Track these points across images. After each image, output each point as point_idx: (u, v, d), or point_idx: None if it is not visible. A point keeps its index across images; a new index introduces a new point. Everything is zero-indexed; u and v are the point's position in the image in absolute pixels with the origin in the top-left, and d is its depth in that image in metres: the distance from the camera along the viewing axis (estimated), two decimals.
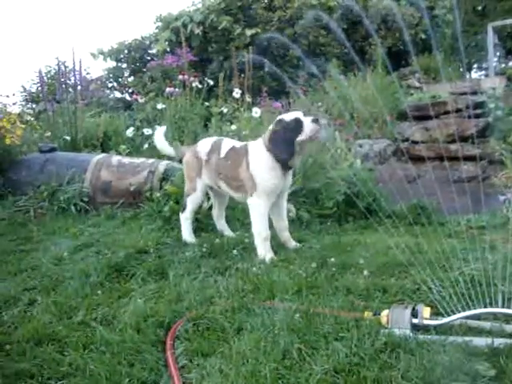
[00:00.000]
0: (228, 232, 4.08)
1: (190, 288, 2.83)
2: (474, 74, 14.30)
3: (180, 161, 4.47)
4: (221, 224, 4.14)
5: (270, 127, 3.55)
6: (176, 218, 4.15)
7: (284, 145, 3.40)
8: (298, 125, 3.38)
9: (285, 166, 3.47)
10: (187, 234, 3.92)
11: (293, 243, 3.71)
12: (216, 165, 3.75)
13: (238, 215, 4.34)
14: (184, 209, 3.96)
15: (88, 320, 2.52)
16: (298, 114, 3.45)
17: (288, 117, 3.46)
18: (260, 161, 3.50)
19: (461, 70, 12.12)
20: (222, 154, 3.73)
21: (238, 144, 3.79)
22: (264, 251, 3.43)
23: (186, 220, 3.94)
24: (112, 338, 2.26)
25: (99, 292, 2.90)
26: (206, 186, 3.92)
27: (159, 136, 4.28)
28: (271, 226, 3.67)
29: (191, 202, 3.94)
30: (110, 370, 1.99)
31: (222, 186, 3.79)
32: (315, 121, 3.39)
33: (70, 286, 3.04)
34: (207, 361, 2.04)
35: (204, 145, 3.91)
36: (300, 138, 3.38)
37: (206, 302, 2.63)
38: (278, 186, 3.53)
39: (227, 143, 3.81)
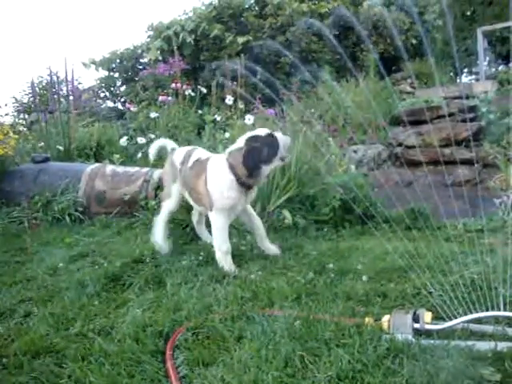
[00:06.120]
0: (205, 237, 4.05)
1: (188, 297, 2.80)
2: (465, 79, 14.36)
3: None
4: (200, 229, 4.12)
5: (240, 145, 3.43)
6: (172, 227, 4.14)
7: (261, 162, 3.37)
8: (273, 140, 3.39)
9: (248, 186, 3.43)
10: (159, 236, 3.80)
11: (275, 249, 3.67)
12: (184, 175, 3.72)
13: (234, 223, 4.31)
14: (159, 212, 3.94)
15: (86, 331, 2.48)
16: (267, 130, 3.47)
17: (261, 132, 3.44)
18: (219, 179, 3.41)
19: (451, 74, 12.19)
20: (189, 164, 3.68)
21: (204, 156, 3.70)
22: (226, 265, 3.34)
23: (158, 223, 3.86)
24: (111, 349, 2.22)
25: (96, 302, 2.87)
26: (180, 192, 3.89)
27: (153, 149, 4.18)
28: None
29: (166, 207, 3.89)
30: (110, 382, 1.96)
31: (186, 195, 3.78)
32: (285, 135, 3.49)
33: (66, 296, 3.01)
34: (208, 370, 2.01)
35: (179, 154, 3.88)
36: (280, 156, 3.42)
37: (204, 311, 2.59)
38: (237, 204, 3.45)
39: (196, 154, 3.75)
